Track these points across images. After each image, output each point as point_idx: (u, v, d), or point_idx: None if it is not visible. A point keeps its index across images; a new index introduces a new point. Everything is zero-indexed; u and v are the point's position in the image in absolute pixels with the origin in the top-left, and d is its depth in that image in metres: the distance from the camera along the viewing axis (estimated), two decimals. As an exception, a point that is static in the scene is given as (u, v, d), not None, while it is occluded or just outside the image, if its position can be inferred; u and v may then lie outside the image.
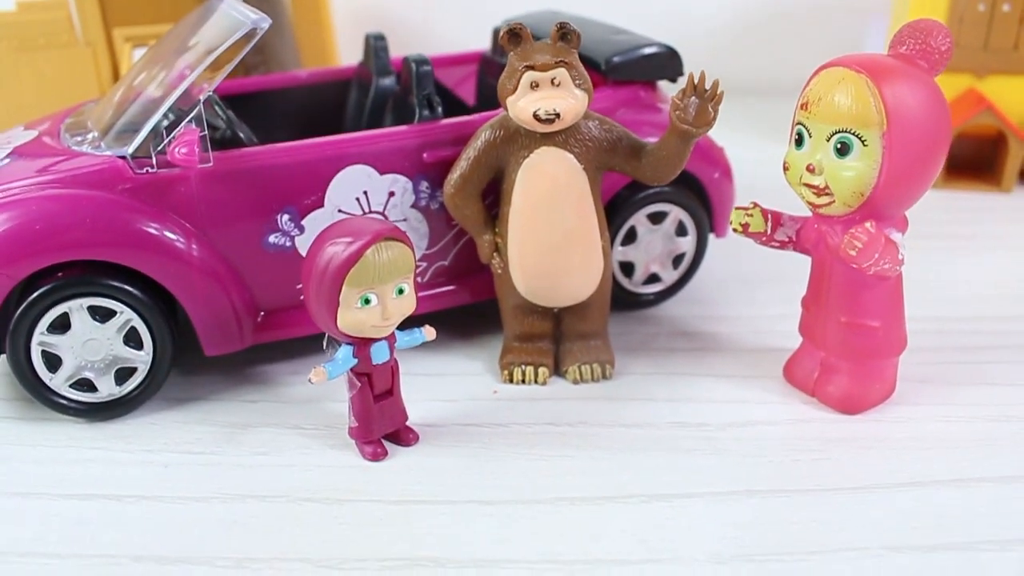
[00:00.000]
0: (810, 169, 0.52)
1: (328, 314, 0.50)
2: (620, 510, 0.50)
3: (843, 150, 0.51)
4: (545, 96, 0.55)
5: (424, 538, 0.48)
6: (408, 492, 0.52)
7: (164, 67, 0.64)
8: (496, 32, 0.76)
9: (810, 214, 0.56)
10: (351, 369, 0.53)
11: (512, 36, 0.56)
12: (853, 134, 0.50)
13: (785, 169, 0.54)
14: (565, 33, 0.56)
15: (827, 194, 0.52)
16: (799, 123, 0.53)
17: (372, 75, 0.74)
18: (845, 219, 0.53)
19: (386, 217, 0.62)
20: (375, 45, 0.74)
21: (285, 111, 0.79)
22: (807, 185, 0.53)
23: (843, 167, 0.51)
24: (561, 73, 0.55)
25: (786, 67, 1.33)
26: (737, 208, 0.58)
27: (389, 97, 0.72)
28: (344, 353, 0.52)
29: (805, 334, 0.60)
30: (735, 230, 0.58)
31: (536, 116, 0.54)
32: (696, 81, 0.54)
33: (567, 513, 0.50)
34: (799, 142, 0.53)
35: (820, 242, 0.56)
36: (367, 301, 0.50)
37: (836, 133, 0.51)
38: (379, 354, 0.53)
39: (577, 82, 0.55)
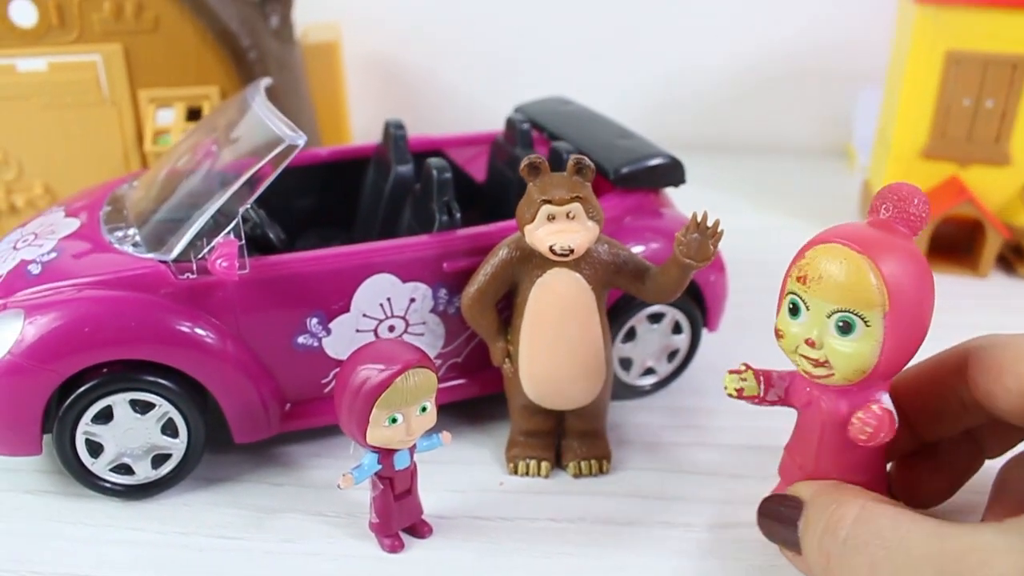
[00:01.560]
0: (810, 343, 0.52)
1: (358, 430, 0.55)
2: (614, 614, 0.56)
3: (845, 329, 0.50)
4: (560, 229, 0.59)
5: (438, 637, 0.54)
6: (423, 588, 0.57)
7: (207, 157, 0.68)
8: (509, 122, 0.81)
9: (794, 368, 0.55)
10: (375, 473, 0.58)
11: (532, 168, 0.61)
12: (856, 314, 0.50)
13: (779, 336, 0.54)
14: (581, 168, 0.60)
15: (826, 367, 0.52)
16: (794, 293, 0.52)
17: (391, 161, 0.78)
18: (840, 388, 0.53)
19: (407, 321, 0.67)
20: (394, 134, 0.78)
21: (304, 185, 0.83)
22: (805, 356, 0.52)
23: (844, 344, 0.51)
24: (576, 208, 0.59)
25: (779, 129, 1.39)
26: (731, 372, 0.57)
27: (408, 190, 0.76)
28: (370, 460, 0.57)
29: (785, 478, 0.59)
30: (730, 395, 0.58)
31: (552, 250, 0.59)
32: (699, 220, 0.59)
33: (566, 614, 0.55)
34: (794, 311, 0.52)
35: (812, 404, 0.55)
36: (394, 420, 0.55)
37: (837, 312, 0.50)
38: (401, 461, 0.58)
39: (590, 214, 0.60)
